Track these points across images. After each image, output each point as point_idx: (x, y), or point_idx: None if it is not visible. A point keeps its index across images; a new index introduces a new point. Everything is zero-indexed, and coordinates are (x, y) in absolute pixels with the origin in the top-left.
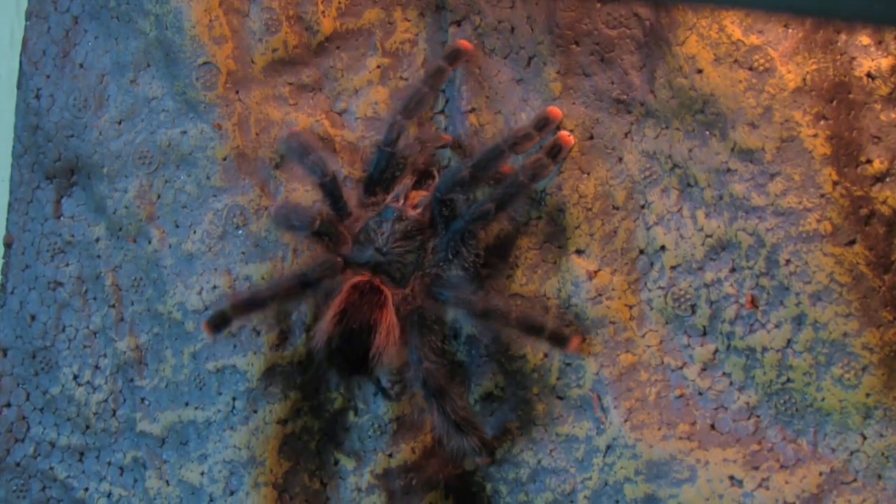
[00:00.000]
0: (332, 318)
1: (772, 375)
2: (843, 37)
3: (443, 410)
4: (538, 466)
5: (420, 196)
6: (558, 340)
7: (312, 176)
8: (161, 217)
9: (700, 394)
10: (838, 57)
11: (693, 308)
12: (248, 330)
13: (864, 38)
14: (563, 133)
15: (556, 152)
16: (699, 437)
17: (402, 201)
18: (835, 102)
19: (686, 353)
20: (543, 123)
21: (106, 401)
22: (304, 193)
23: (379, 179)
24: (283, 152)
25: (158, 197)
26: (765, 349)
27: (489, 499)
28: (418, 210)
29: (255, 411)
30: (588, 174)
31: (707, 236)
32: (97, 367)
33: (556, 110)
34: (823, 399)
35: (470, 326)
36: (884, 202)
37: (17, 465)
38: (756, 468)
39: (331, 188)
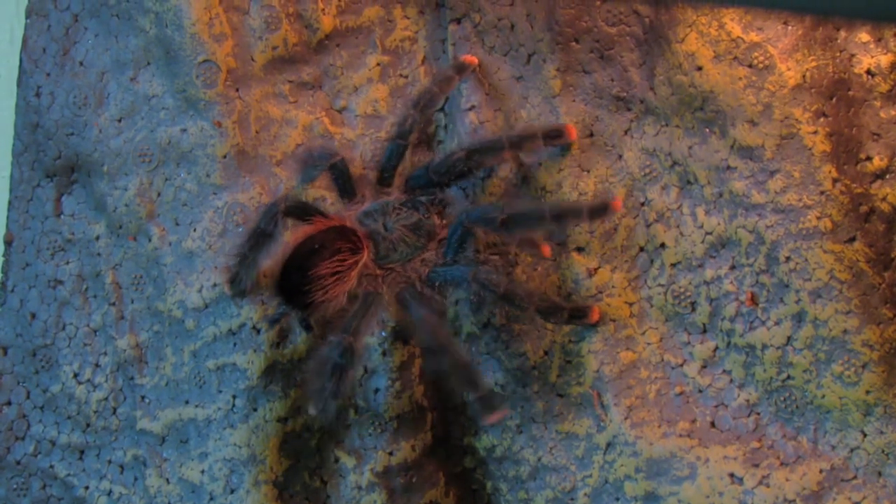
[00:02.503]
0: (295, 240)
1: (772, 373)
2: (842, 34)
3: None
4: (538, 464)
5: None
6: (580, 314)
7: (321, 164)
8: (161, 215)
9: (700, 391)
10: (838, 54)
11: (693, 305)
12: (248, 328)
13: (864, 35)
14: (571, 126)
15: (553, 136)
16: (699, 434)
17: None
18: (834, 99)
19: (686, 350)
20: (556, 135)
21: (106, 399)
22: (303, 191)
23: (392, 172)
24: (299, 170)
25: (158, 195)
26: (765, 346)
27: (489, 497)
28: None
29: (256, 409)
30: (588, 171)
31: (707, 233)
32: (97, 365)
33: (573, 130)
34: (824, 396)
35: (473, 318)
36: (884, 199)
37: (18, 463)
38: (756, 465)
39: (340, 170)
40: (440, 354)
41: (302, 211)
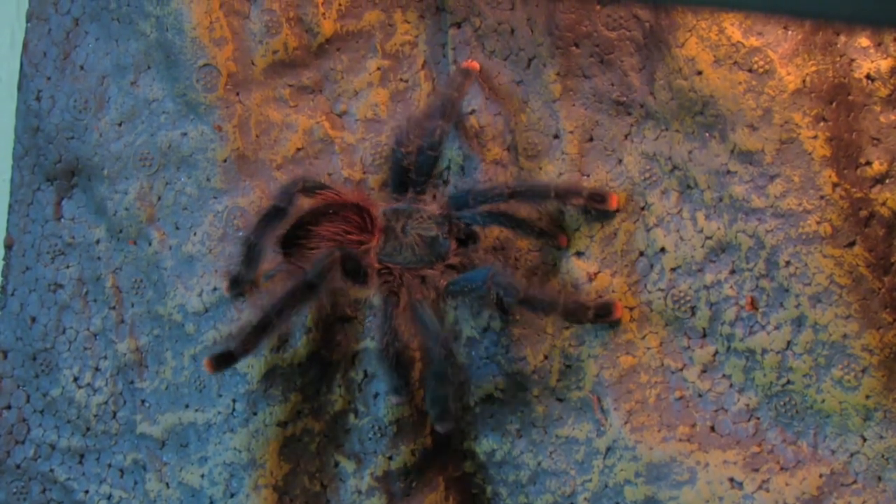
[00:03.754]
0: (314, 203)
1: (772, 377)
2: (842, 39)
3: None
4: (538, 468)
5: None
6: (604, 312)
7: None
8: (161, 219)
9: (700, 396)
10: (838, 59)
11: (693, 310)
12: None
13: (864, 40)
14: (615, 194)
15: (597, 200)
16: (699, 438)
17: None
18: (834, 104)
19: (686, 354)
20: (599, 199)
21: (106, 403)
22: (303, 200)
23: (425, 180)
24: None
25: (159, 199)
26: (765, 351)
27: (489, 501)
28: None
29: (256, 413)
30: (588, 176)
31: (707, 238)
32: (97, 369)
33: (616, 199)
34: (823, 401)
35: (473, 322)
36: (883, 204)
37: (18, 467)
38: (756, 470)
39: (400, 164)
40: (442, 373)
41: (320, 191)
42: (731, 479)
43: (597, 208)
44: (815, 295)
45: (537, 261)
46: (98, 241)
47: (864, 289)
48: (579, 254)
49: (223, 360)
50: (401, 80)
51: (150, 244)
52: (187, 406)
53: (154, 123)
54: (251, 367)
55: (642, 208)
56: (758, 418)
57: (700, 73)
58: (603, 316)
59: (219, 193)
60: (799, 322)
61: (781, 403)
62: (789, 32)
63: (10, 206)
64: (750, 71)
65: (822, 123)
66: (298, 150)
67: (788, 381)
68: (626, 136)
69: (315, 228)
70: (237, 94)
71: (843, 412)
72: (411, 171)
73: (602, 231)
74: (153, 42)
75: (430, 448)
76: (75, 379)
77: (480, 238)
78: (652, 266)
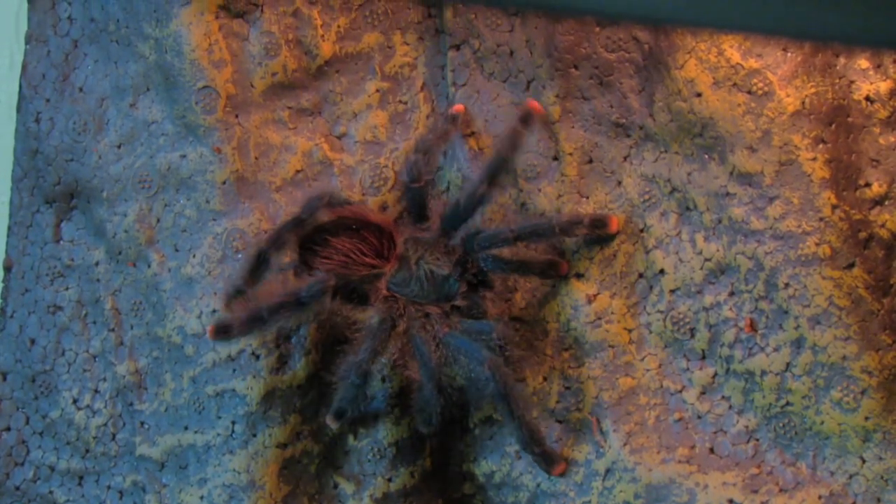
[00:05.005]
0: (344, 211)
1: (771, 399)
2: (841, 60)
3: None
4: (537, 490)
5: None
6: (600, 224)
7: (405, 176)
8: (160, 241)
9: (699, 417)
10: (837, 80)
11: (692, 331)
12: (247, 354)
13: (863, 62)
14: (614, 217)
15: (598, 225)
16: (698, 460)
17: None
18: (833, 126)
19: (685, 376)
20: (601, 225)
21: (105, 425)
22: None
23: (422, 212)
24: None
25: (158, 221)
26: (764, 372)
27: None
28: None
29: (255, 435)
30: (587, 198)
31: (706, 260)
32: (97, 391)
33: (616, 221)
34: (822, 422)
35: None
36: (882, 225)
37: (17, 488)
38: (755, 491)
39: (419, 194)
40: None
41: (345, 206)
42: (731, 501)
43: (599, 234)
44: (815, 316)
45: (536, 282)
46: (97, 263)
47: (863, 310)
48: (579, 275)
49: (222, 332)
50: (400, 101)
51: (149, 266)
52: (186, 428)
53: (153, 145)
54: (250, 388)
55: (641, 230)
56: (757, 440)
57: (699, 94)
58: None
59: (218, 215)
60: (798, 344)
61: (780, 425)
62: (788, 54)
63: (10, 228)
64: (749, 93)
65: (821, 145)
66: (297, 172)
67: (787, 403)
68: (625, 158)
69: (332, 239)
70: (236, 116)
71: (842, 434)
72: (427, 205)
73: (601, 253)
74: (152, 64)
75: (429, 470)
76: (75, 401)
77: (494, 286)
78: (651, 288)
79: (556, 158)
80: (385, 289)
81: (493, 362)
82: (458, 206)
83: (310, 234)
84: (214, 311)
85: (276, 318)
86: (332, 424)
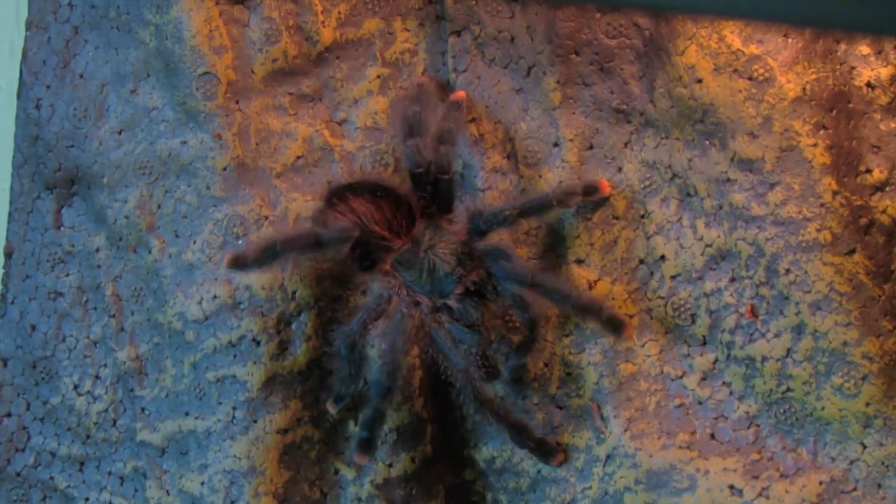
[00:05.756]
0: (377, 177)
1: (772, 385)
2: (842, 46)
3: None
4: (538, 476)
5: None
6: (616, 326)
7: (408, 161)
8: (161, 227)
9: (700, 403)
10: (838, 66)
11: (693, 317)
12: (247, 340)
13: (864, 48)
14: (605, 182)
15: (590, 191)
16: (699, 446)
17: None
18: (834, 112)
19: (686, 362)
20: (593, 190)
21: (106, 410)
22: (303, 203)
23: (429, 203)
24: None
25: (158, 207)
26: (764, 358)
27: None
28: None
29: (256, 421)
30: None
31: (707, 246)
32: (97, 377)
33: (607, 184)
34: (823, 408)
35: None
36: (883, 211)
37: (18, 475)
38: (756, 477)
39: (445, 187)
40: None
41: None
42: (731, 487)
43: (593, 200)
44: (815, 302)
45: (537, 269)
46: (98, 250)
47: (864, 296)
48: (579, 261)
49: (238, 261)
50: (401, 88)
51: (149, 252)
52: (187, 414)
53: (154, 132)
54: (251, 374)
55: (642, 216)
56: (758, 426)
57: (700, 81)
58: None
59: (219, 202)
60: (799, 330)
61: (781, 411)
62: (789, 40)
63: (10, 214)
64: (750, 79)
65: (822, 131)
66: (298, 158)
67: (788, 389)
68: (626, 144)
69: (353, 197)
70: (237, 102)
71: (842, 419)
72: (452, 197)
73: (602, 239)
74: (153, 50)
75: (430, 456)
76: (75, 387)
77: (490, 303)
78: (652, 274)
79: (556, 144)
80: (388, 264)
81: (468, 375)
82: (481, 217)
83: (341, 189)
84: (215, 296)
85: (288, 252)
86: (331, 410)
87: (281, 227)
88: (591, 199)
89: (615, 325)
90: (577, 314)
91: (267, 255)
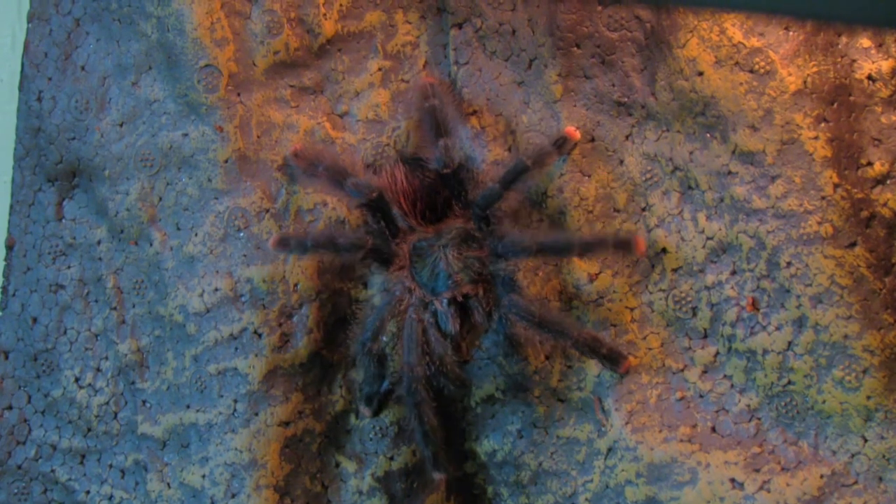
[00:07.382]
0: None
1: (773, 378)
2: (843, 39)
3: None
4: (539, 469)
5: None
6: (615, 358)
7: (353, 199)
8: (162, 219)
9: (701, 396)
10: (839, 59)
11: (694, 310)
12: (249, 332)
13: (865, 41)
14: (570, 128)
15: (560, 143)
16: (700, 439)
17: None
18: (835, 105)
19: (687, 355)
20: (562, 143)
21: (107, 403)
22: (304, 195)
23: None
24: (301, 178)
25: (160, 199)
26: (766, 352)
27: (490, 501)
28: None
29: (257, 414)
30: (589, 177)
31: (708, 239)
32: (98, 370)
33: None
34: (824, 401)
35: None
36: (884, 204)
37: (19, 467)
38: (757, 470)
39: (378, 205)
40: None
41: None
42: (733, 480)
43: (566, 151)
44: (817, 295)
45: (538, 262)
46: (99, 242)
47: (865, 289)
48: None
49: (282, 243)
50: (402, 80)
51: (151, 245)
52: (188, 406)
53: (155, 124)
54: (252, 367)
55: (643, 209)
56: (759, 419)
57: (701, 73)
58: (623, 249)
59: (220, 194)
60: (800, 323)
61: (782, 404)
62: (790, 33)
63: (12, 206)
64: (751, 72)
65: (823, 124)
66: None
67: (789, 382)
68: (627, 137)
69: (397, 170)
70: (238, 94)
71: (844, 413)
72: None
73: (603, 231)
74: (154, 43)
75: None
76: (76, 379)
77: (472, 322)
78: (653, 267)
79: None
80: (409, 247)
81: (412, 371)
82: (501, 242)
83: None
84: (217, 289)
85: (315, 250)
86: (366, 413)
87: (285, 220)
88: (564, 151)
89: (614, 360)
90: (577, 350)
91: (300, 248)
